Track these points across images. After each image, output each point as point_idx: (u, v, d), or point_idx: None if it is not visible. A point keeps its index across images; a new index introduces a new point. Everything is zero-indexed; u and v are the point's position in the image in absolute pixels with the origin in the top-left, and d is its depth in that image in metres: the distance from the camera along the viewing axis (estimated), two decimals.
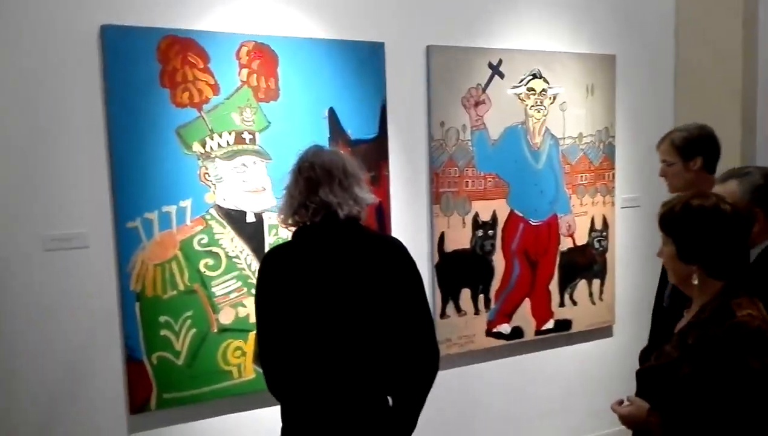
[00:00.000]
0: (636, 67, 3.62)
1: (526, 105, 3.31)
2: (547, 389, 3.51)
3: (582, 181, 3.49)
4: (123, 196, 2.48)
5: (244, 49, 2.65)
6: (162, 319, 2.57)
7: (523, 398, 3.43)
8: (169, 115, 2.53)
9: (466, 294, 3.21)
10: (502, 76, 3.23)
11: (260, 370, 2.73)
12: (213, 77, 2.60)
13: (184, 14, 2.56)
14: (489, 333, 3.28)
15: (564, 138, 3.42)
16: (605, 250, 3.59)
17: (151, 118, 2.51)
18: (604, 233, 3.58)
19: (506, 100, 3.25)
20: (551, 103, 3.38)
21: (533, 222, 3.36)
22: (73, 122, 2.42)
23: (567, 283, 3.49)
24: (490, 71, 3.20)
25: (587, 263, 3.54)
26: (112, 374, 2.53)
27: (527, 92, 3.31)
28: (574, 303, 3.51)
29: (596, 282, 3.58)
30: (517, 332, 3.36)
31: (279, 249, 1.98)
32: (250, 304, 2.71)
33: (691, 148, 2.49)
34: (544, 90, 3.35)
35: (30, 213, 2.37)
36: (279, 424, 2.75)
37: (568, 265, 3.47)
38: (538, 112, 3.34)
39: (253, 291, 2.69)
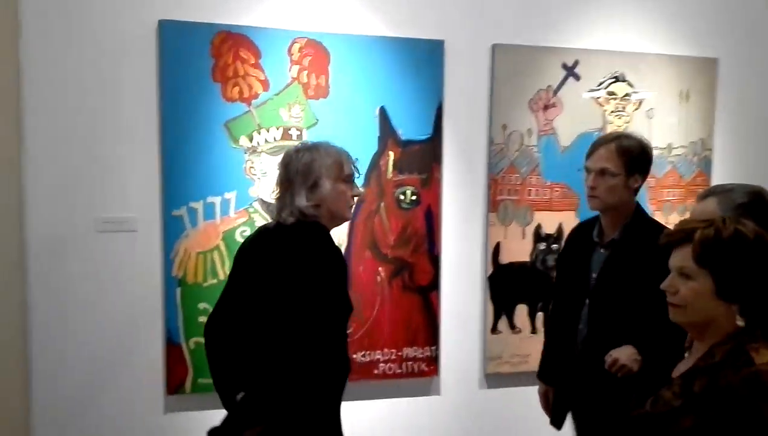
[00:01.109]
0: (742, 73, 3.20)
1: (605, 110, 3.03)
2: None
3: (669, 197, 3.14)
4: (170, 185, 2.59)
5: (296, 46, 2.67)
6: (201, 305, 2.64)
7: None
8: (219, 109, 2.61)
9: (522, 310, 3.00)
10: (577, 78, 2.99)
11: None
12: (263, 73, 2.64)
13: (238, 10, 2.62)
14: None
15: None
16: None
17: (202, 111, 2.59)
18: None
19: (581, 105, 3.00)
20: (636, 110, 3.07)
21: None
22: (129, 113, 2.56)
23: None
24: (563, 72, 2.97)
25: None
26: (152, 354, 2.64)
27: (607, 96, 3.03)
28: None
29: None
30: None
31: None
32: None
33: (638, 163, 2.15)
34: (627, 94, 3.05)
35: (86, 195, 2.54)
36: None
37: None
38: (619, 118, 3.05)
39: None
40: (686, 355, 1.54)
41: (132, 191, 2.59)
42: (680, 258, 1.42)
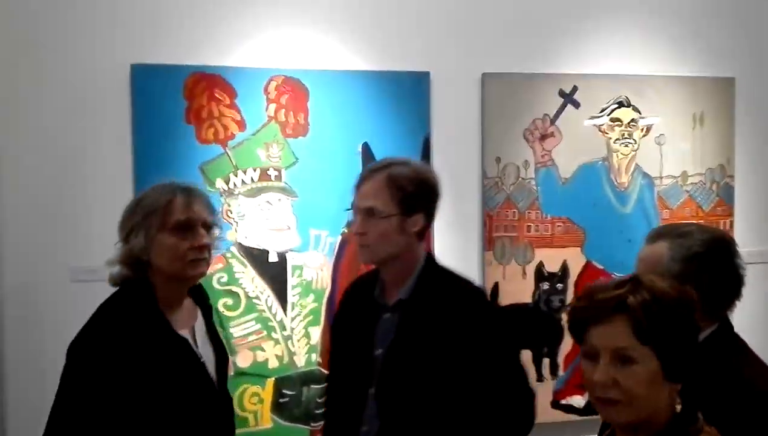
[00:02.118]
0: (762, 92, 2.94)
1: (609, 138, 2.83)
2: None
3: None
4: None
5: (273, 84, 2.58)
6: None
7: None
8: (193, 151, 2.53)
9: (526, 356, 2.77)
10: (576, 105, 2.80)
11: (278, 419, 2.58)
12: (239, 113, 2.56)
13: (212, 50, 2.56)
14: (556, 405, 2.79)
15: (661, 177, 2.86)
16: None
17: (176, 154, 2.52)
18: None
19: (582, 133, 2.80)
20: (643, 136, 2.85)
21: (617, 276, 2.82)
22: (102, 159, 2.51)
23: None
24: (560, 100, 2.79)
25: None
26: None
27: (611, 123, 2.83)
28: None
29: None
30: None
31: None
32: (268, 348, 2.57)
33: (418, 198, 1.66)
34: (633, 120, 2.84)
35: (59, 244, 2.48)
36: None
37: None
38: (626, 146, 2.84)
39: (273, 335, 2.59)
40: None
41: (107, 239, 2.51)
42: (614, 337, 1.10)
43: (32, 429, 2.43)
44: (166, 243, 1.62)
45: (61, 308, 2.47)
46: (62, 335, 2.47)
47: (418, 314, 1.65)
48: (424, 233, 1.72)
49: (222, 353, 1.84)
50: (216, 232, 1.76)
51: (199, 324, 1.79)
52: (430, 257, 1.78)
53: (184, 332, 1.70)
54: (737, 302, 1.66)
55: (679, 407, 1.13)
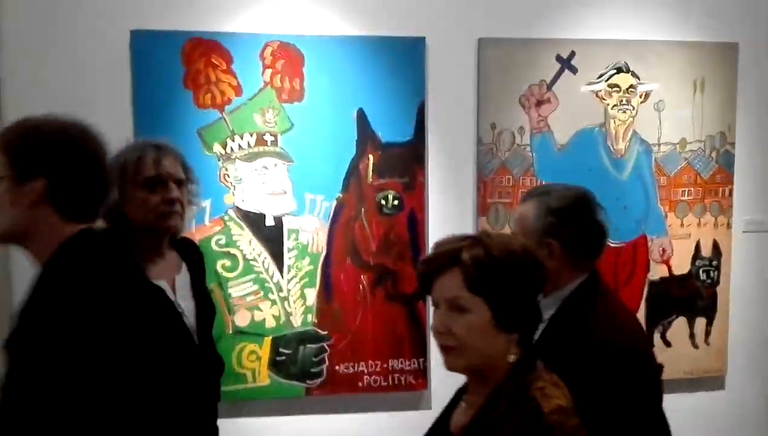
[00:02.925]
0: (766, 59, 2.88)
1: (607, 104, 2.81)
2: None
3: (684, 197, 2.87)
4: None
5: (269, 50, 2.61)
6: None
7: None
8: (191, 116, 2.58)
9: None
10: (574, 70, 2.78)
11: (275, 376, 2.67)
12: (236, 78, 2.60)
13: (209, 16, 2.59)
14: None
15: (659, 144, 2.84)
16: (715, 282, 2.91)
17: (174, 119, 2.58)
18: (715, 262, 2.90)
19: (579, 99, 2.79)
20: (642, 102, 2.83)
21: (612, 243, 2.83)
22: (103, 124, 2.51)
23: (658, 319, 2.89)
24: (558, 65, 2.77)
25: (688, 296, 2.89)
26: None
27: (609, 89, 2.81)
28: (668, 344, 2.89)
29: (701, 321, 2.91)
30: None
31: None
32: (265, 308, 2.66)
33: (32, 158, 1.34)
34: (632, 86, 2.81)
35: None
36: (294, 433, 2.67)
37: (659, 297, 2.87)
38: (624, 112, 2.82)
39: (270, 296, 2.67)
40: (462, 403, 1.30)
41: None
42: (448, 287, 1.19)
43: None
44: (138, 197, 1.74)
45: None
46: None
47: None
48: (57, 201, 1.36)
49: (207, 307, 1.92)
50: (191, 187, 1.85)
51: (182, 277, 1.86)
52: (83, 235, 1.39)
53: (161, 283, 1.77)
54: (602, 255, 1.74)
55: (512, 357, 1.19)
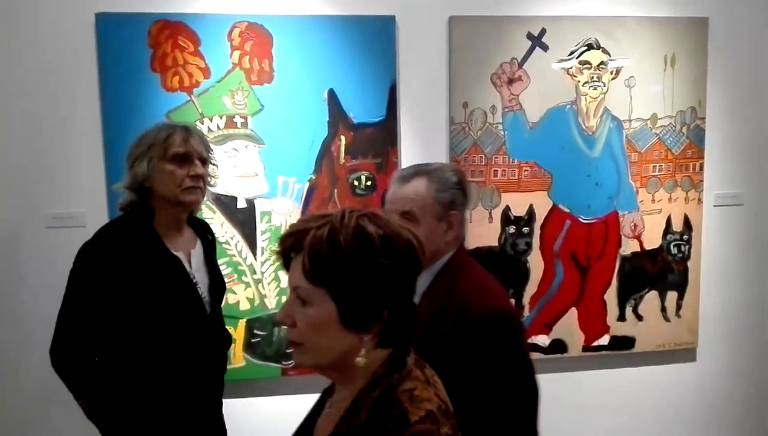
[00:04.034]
0: (735, 33, 2.89)
1: (578, 81, 2.81)
2: (603, 417, 2.99)
3: (655, 172, 2.89)
4: (115, 178, 2.52)
5: (237, 31, 2.58)
6: None
7: (567, 423, 2.96)
8: (159, 99, 2.56)
9: None
10: (545, 48, 2.77)
11: (250, 358, 2.69)
12: (203, 60, 2.57)
13: None
14: None
15: (630, 120, 2.86)
16: (686, 256, 2.94)
17: (142, 102, 2.55)
18: (686, 236, 2.93)
19: (550, 76, 2.79)
20: (613, 79, 2.83)
21: (584, 219, 2.86)
22: (71, 107, 2.55)
23: (630, 293, 2.92)
24: (529, 43, 2.76)
25: (659, 271, 2.93)
26: None
27: (579, 66, 2.81)
28: (639, 318, 2.94)
29: (672, 295, 2.96)
30: (558, 346, 2.90)
31: None
32: (239, 290, 2.66)
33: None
34: (603, 63, 2.82)
35: (34, 192, 2.55)
36: (270, 413, 2.65)
37: (631, 272, 2.91)
38: (595, 89, 2.82)
39: (244, 278, 2.67)
40: (327, 407, 1.14)
41: (79, 186, 2.59)
42: (293, 275, 1.03)
43: (10, 371, 2.58)
44: (166, 170, 1.89)
45: (35, 252, 2.57)
46: (38, 279, 2.60)
47: None
48: None
49: (219, 282, 2.08)
50: (210, 167, 2.00)
51: (197, 251, 2.03)
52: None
53: (179, 254, 1.94)
54: None
55: (361, 360, 1.02)
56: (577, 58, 2.80)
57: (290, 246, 1.05)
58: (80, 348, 1.90)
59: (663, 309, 2.95)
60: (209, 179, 2.03)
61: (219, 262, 2.63)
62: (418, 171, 1.62)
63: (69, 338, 1.90)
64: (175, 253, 1.93)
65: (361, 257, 1.00)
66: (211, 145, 2.06)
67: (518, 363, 1.54)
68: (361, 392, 1.03)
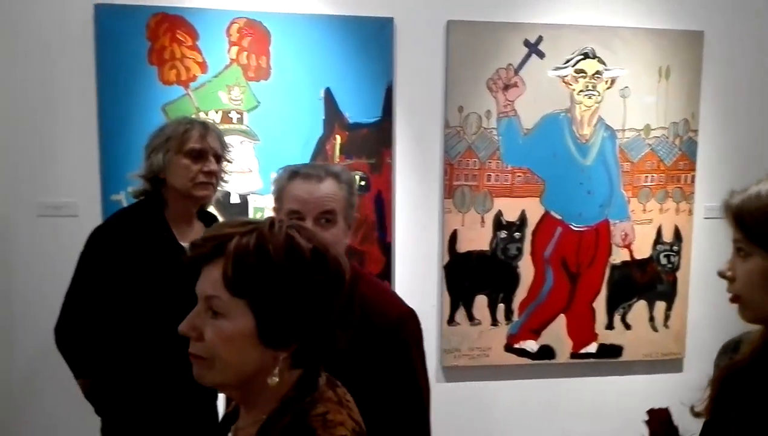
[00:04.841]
0: (730, 47, 2.92)
1: (573, 90, 2.83)
2: (588, 424, 3.00)
3: (647, 182, 2.91)
4: (109, 169, 2.56)
5: (235, 26, 2.59)
6: None
7: (552, 429, 2.97)
8: (156, 92, 2.56)
9: (481, 301, 2.85)
10: (541, 55, 2.80)
11: None
12: (201, 55, 2.58)
13: None
14: (510, 349, 2.88)
15: (624, 130, 2.88)
16: (675, 267, 2.96)
17: (139, 95, 2.55)
18: (675, 247, 2.95)
19: (546, 84, 2.81)
20: (608, 88, 2.86)
21: (575, 227, 2.88)
22: (68, 97, 2.55)
23: (619, 302, 2.94)
24: (525, 50, 2.79)
25: (648, 281, 2.95)
26: None
27: (575, 75, 2.83)
28: (627, 327, 2.95)
29: (660, 305, 2.97)
30: (546, 352, 2.91)
31: None
32: None
33: None
34: (598, 72, 2.84)
35: (27, 180, 2.55)
36: None
37: (621, 281, 2.92)
38: (589, 98, 2.84)
39: None
40: (230, 434, 1.07)
41: (72, 176, 2.59)
42: (209, 283, 0.95)
43: (1, 361, 2.56)
44: (181, 164, 1.92)
45: (27, 241, 2.56)
46: (29, 267, 2.59)
47: None
48: None
49: None
50: (225, 164, 2.04)
51: None
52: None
53: (186, 245, 1.89)
54: None
55: (274, 380, 0.96)
56: (572, 66, 2.82)
57: (209, 251, 0.96)
58: (84, 328, 1.94)
59: (651, 319, 2.97)
60: (223, 176, 2.06)
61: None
62: (327, 172, 1.51)
63: (74, 317, 1.94)
64: (183, 244, 1.96)
65: (291, 270, 0.94)
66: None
67: (424, 365, 1.53)
68: (270, 418, 0.96)
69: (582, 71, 2.83)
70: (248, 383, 0.97)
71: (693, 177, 2.94)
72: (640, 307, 2.96)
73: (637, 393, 3.03)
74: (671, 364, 3.03)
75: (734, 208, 1.12)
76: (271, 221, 0.97)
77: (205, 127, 1.99)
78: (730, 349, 1.32)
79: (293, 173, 1.48)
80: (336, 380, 1.06)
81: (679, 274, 2.96)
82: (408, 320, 1.51)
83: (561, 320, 2.90)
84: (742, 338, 1.29)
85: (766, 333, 1.13)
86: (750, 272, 1.11)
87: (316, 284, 0.96)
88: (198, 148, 1.93)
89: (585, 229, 2.89)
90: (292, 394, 0.97)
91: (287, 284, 0.93)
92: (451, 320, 2.83)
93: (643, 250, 2.93)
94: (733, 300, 1.17)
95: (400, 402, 1.45)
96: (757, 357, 1.13)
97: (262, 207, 2.66)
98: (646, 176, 2.91)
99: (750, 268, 1.11)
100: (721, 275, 1.19)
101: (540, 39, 2.79)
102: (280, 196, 1.48)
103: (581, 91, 2.84)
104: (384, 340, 1.43)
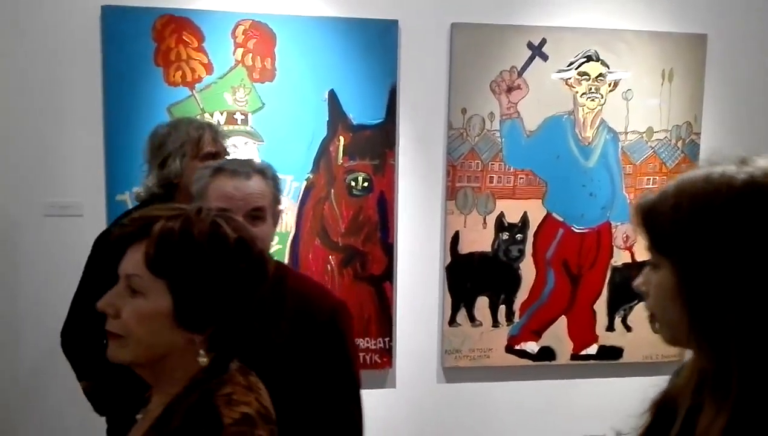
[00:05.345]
0: (733, 50, 2.92)
1: (576, 92, 2.84)
2: (588, 425, 3.01)
3: (649, 185, 2.92)
4: (114, 169, 2.59)
5: (240, 28, 2.61)
6: None
7: (552, 430, 2.99)
8: (161, 93, 2.58)
9: (483, 303, 2.87)
10: (545, 58, 2.81)
11: None
12: (207, 56, 2.60)
13: None
14: (510, 350, 2.90)
15: (626, 132, 2.89)
16: None
17: (145, 95, 2.57)
18: None
19: (549, 86, 2.82)
20: (611, 91, 2.86)
21: (577, 229, 2.89)
22: (74, 98, 2.57)
23: (620, 304, 2.96)
24: (529, 52, 2.80)
25: None
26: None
27: (578, 77, 2.84)
28: (628, 329, 2.97)
29: None
30: (546, 353, 2.92)
31: None
32: None
33: None
34: (601, 75, 2.85)
35: (33, 180, 2.57)
36: None
37: (622, 283, 2.94)
38: (592, 101, 2.86)
39: None
40: (139, 416, 1.10)
41: (78, 176, 2.61)
42: (131, 262, 0.98)
43: (6, 358, 2.59)
44: (198, 168, 1.85)
45: (33, 241, 2.58)
46: (35, 267, 2.62)
47: None
48: None
49: None
50: None
51: None
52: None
53: None
54: None
55: (204, 360, 0.99)
56: (576, 69, 2.83)
57: (135, 231, 0.99)
58: (89, 332, 1.93)
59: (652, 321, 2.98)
60: None
61: None
62: (253, 168, 1.48)
63: (80, 321, 1.96)
64: None
65: (212, 254, 0.97)
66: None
67: (357, 354, 1.61)
68: (177, 397, 0.99)
69: (585, 74, 2.84)
70: (160, 364, 1.00)
71: None
72: (640, 309, 2.97)
73: (637, 394, 3.05)
74: (671, 366, 3.02)
75: (639, 211, 0.94)
76: (199, 208, 1.01)
77: (214, 129, 2.02)
78: (677, 373, 1.09)
79: (217, 170, 1.46)
80: (249, 369, 1.07)
81: None
82: (342, 311, 1.55)
83: (562, 322, 2.92)
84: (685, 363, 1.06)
85: (694, 360, 0.92)
86: (659, 285, 0.91)
87: (237, 272, 0.99)
88: (213, 151, 1.95)
89: (587, 231, 2.90)
90: (201, 376, 1.00)
91: (207, 268, 0.96)
92: (452, 321, 2.85)
93: (644, 252, 2.93)
94: (650, 319, 0.97)
95: (337, 391, 1.49)
96: (685, 386, 0.93)
97: None
98: (649, 179, 2.92)
99: (659, 281, 0.91)
100: (637, 289, 0.99)
101: (543, 41, 2.80)
102: (203, 193, 1.45)
103: (584, 93, 2.85)
104: (320, 331, 1.47)
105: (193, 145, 1.93)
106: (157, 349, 0.99)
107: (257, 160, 2.59)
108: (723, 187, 0.81)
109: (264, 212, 1.44)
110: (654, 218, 0.91)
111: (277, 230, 2.64)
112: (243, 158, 1.62)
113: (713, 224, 0.80)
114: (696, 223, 0.83)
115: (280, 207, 1.56)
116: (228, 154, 2.05)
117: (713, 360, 0.83)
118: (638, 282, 0.97)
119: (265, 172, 1.48)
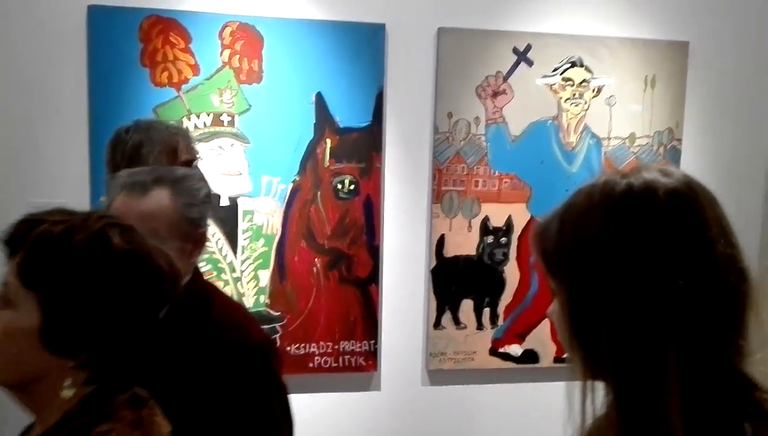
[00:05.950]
0: (716, 57, 2.97)
1: (560, 97, 2.88)
2: (570, 428, 3.04)
3: None
4: (99, 170, 2.55)
5: (228, 30, 2.61)
6: None
7: (535, 432, 3.01)
8: (147, 94, 2.57)
9: (467, 306, 2.89)
10: (530, 63, 2.84)
11: None
12: (193, 57, 2.60)
13: None
14: (494, 353, 2.92)
15: (609, 138, 2.93)
16: None
17: (130, 97, 2.56)
18: None
19: (534, 92, 2.85)
20: (594, 97, 2.90)
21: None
22: (59, 98, 2.56)
23: None
24: (514, 57, 2.83)
25: None
26: None
27: (562, 83, 2.87)
28: None
29: None
30: (530, 356, 2.95)
31: None
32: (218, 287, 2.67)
33: None
34: (585, 81, 2.89)
35: (18, 180, 2.55)
36: None
37: None
38: (576, 106, 2.89)
39: (223, 276, 2.69)
40: None
41: (62, 176, 2.59)
42: (9, 270, 0.89)
43: None
44: (110, 178, 1.79)
45: None
46: None
47: None
48: None
49: None
50: None
51: None
52: None
53: None
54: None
55: (68, 392, 0.87)
56: (560, 74, 2.86)
57: (20, 234, 0.89)
58: None
59: None
60: None
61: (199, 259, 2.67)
62: (158, 178, 1.31)
63: None
64: None
65: (91, 267, 0.85)
66: (198, 142, 2.10)
67: (282, 394, 1.45)
68: (47, 432, 0.88)
69: (569, 79, 2.88)
70: (31, 389, 0.89)
71: None
72: None
73: None
74: None
75: (532, 238, 0.88)
76: (88, 214, 0.90)
77: (186, 135, 1.97)
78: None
79: (122, 184, 1.31)
80: (150, 400, 0.94)
81: None
82: (270, 349, 1.44)
83: (545, 325, 2.94)
84: None
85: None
86: (555, 314, 0.84)
87: (121, 290, 0.86)
88: (189, 158, 1.91)
89: None
90: (76, 409, 0.88)
91: (83, 282, 0.84)
92: (437, 324, 2.86)
93: None
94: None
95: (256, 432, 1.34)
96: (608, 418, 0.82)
97: (252, 210, 2.68)
98: None
99: (554, 309, 0.84)
100: (549, 318, 0.90)
101: (529, 47, 2.83)
102: (109, 206, 1.31)
103: (568, 99, 2.88)
104: (242, 369, 1.31)
105: (171, 153, 1.83)
106: (22, 370, 0.87)
107: (243, 160, 2.65)
108: (602, 201, 0.79)
109: (159, 234, 1.22)
110: (543, 243, 0.86)
111: (264, 232, 2.69)
112: (152, 167, 1.46)
113: (591, 243, 0.76)
114: (577, 245, 0.79)
115: (202, 229, 1.35)
116: (199, 159, 2.00)
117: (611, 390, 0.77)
118: (548, 311, 0.90)
119: (176, 185, 1.28)
